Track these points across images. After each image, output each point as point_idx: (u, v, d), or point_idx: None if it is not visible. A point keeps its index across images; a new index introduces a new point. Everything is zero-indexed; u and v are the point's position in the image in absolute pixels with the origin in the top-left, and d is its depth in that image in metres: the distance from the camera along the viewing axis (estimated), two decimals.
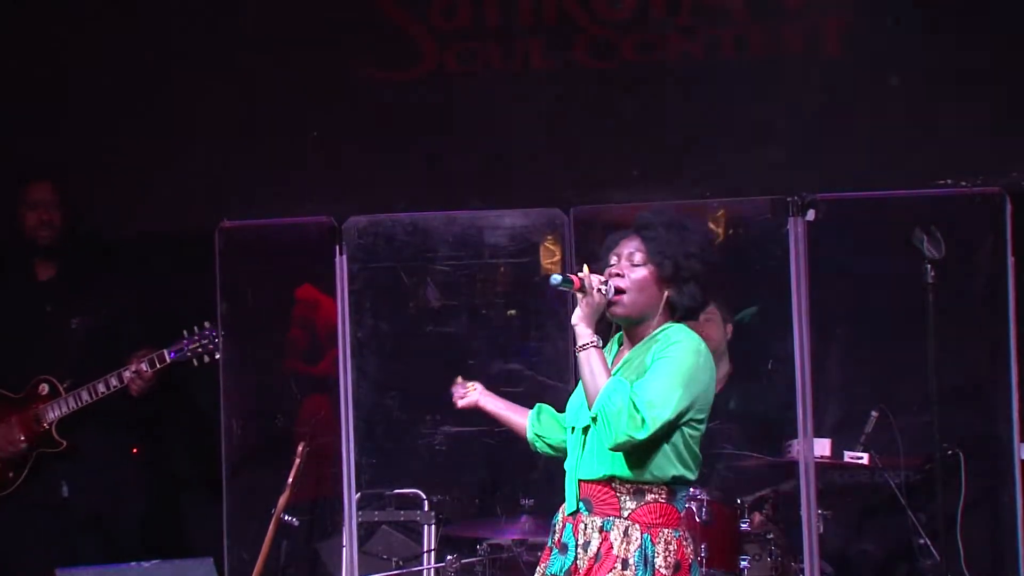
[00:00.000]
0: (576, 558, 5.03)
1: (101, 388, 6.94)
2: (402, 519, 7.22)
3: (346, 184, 7.72)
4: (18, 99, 7.82)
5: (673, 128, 7.70)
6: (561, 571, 5.05)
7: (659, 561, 4.96)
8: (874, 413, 7.06)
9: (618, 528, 4.99)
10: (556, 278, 5.00)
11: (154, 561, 6.64)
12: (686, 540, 5.05)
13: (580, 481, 5.06)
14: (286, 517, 6.95)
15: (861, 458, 7.01)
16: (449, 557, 6.90)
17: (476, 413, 5.52)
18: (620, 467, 4.98)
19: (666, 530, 4.99)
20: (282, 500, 6.94)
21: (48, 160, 7.59)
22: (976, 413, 7.14)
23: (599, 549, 4.99)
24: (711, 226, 7.14)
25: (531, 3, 7.88)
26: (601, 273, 5.08)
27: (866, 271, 7.18)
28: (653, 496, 5.00)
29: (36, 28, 7.91)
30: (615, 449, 4.93)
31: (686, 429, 4.99)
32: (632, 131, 7.71)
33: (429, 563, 7.11)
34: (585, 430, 5.06)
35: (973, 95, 7.47)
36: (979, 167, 7.12)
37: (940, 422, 6.81)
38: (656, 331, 5.07)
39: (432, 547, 7.15)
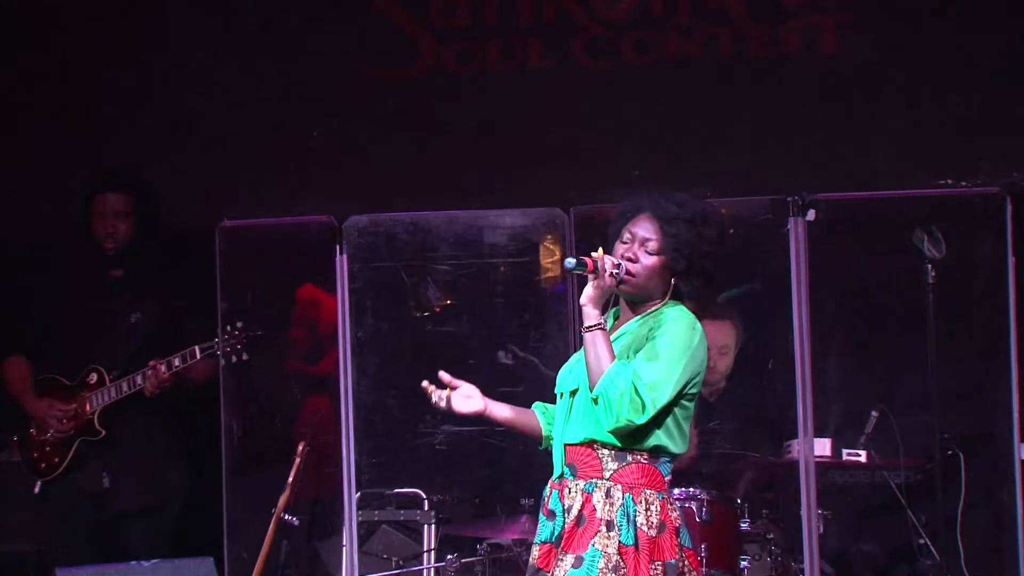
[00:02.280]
0: (564, 523, 5.03)
1: (139, 380, 6.99)
2: (402, 519, 7.22)
3: (346, 183, 7.72)
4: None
5: (673, 128, 7.70)
6: (552, 537, 5.05)
7: (640, 519, 4.96)
8: (874, 413, 7.07)
9: (600, 489, 4.99)
10: (571, 261, 5.01)
11: (154, 560, 6.65)
12: (671, 504, 5.04)
13: (565, 446, 5.09)
14: (286, 516, 6.94)
15: (859, 455, 7.02)
16: (449, 557, 6.90)
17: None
18: (601, 432, 5.00)
19: (648, 491, 4.99)
20: (282, 499, 6.93)
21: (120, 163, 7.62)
22: (976, 413, 7.14)
23: (581, 511, 4.99)
24: None
25: (531, 3, 7.87)
26: (610, 252, 5.09)
27: (866, 271, 7.19)
28: (635, 457, 5.01)
29: (35, 30, 7.91)
30: (614, 432, 4.96)
31: (675, 407, 5.01)
32: (632, 131, 7.70)
33: (429, 563, 7.11)
34: (572, 394, 5.09)
35: (973, 95, 7.47)
36: (979, 167, 7.13)
37: (940, 422, 6.82)
38: (656, 308, 5.10)
39: (432, 547, 7.15)
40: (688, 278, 5.10)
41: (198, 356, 6.95)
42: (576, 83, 7.84)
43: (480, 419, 5.36)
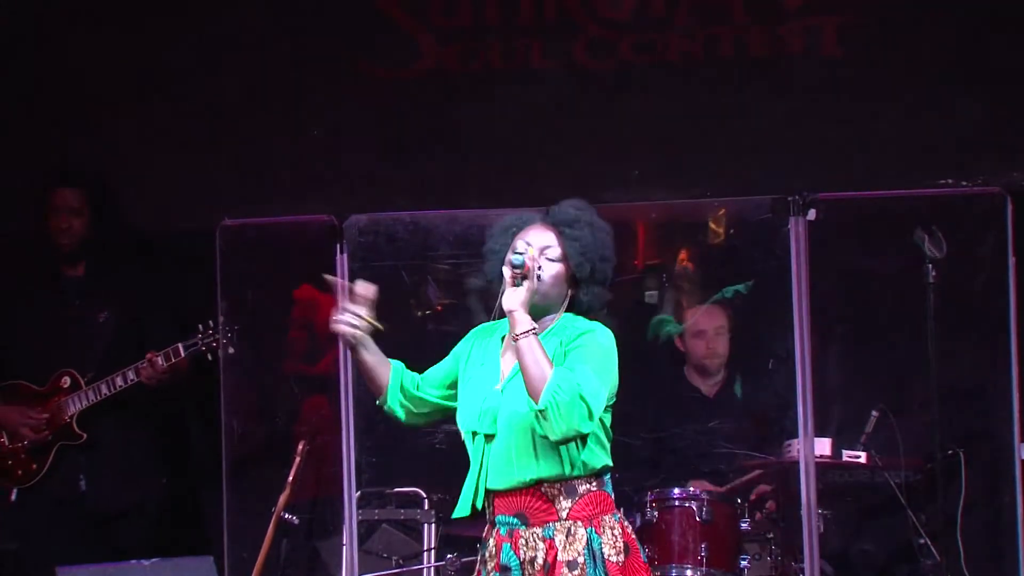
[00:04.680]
0: None
1: (119, 381, 6.99)
2: (402, 518, 7.21)
3: (346, 182, 7.72)
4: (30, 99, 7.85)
5: (673, 128, 7.70)
6: None
7: (607, 551, 4.86)
8: (874, 413, 7.07)
9: (560, 532, 4.87)
10: (518, 259, 4.87)
11: (154, 560, 6.64)
12: (626, 521, 4.96)
13: (505, 492, 4.91)
14: (286, 516, 6.95)
15: (859, 457, 7.02)
16: (449, 556, 6.92)
17: None
18: (547, 467, 4.86)
19: (606, 516, 4.90)
20: (282, 499, 6.95)
21: (75, 160, 7.61)
22: (976, 413, 7.15)
23: (546, 559, 4.86)
24: (712, 226, 7.17)
25: (531, 3, 7.87)
26: (499, 271, 4.98)
27: (866, 271, 7.19)
28: (585, 487, 4.89)
29: (36, 29, 7.91)
30: (561, 442, 4.80)
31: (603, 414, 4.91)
32: (632, 131, 7.70)
33: (429, 562, 7.11)
34: (489, 438, 4.92)
35: (973, 95, 7.47)
36: (979, 167, 7.13)
37: (940, 422, 6.82)
38: (558, 321, 4.98)
39: (432, 546, 7.15)
40: (588, 286, 4.99)
41: (182, 353, 6.95)
42: (576, 83, 7.83)
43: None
